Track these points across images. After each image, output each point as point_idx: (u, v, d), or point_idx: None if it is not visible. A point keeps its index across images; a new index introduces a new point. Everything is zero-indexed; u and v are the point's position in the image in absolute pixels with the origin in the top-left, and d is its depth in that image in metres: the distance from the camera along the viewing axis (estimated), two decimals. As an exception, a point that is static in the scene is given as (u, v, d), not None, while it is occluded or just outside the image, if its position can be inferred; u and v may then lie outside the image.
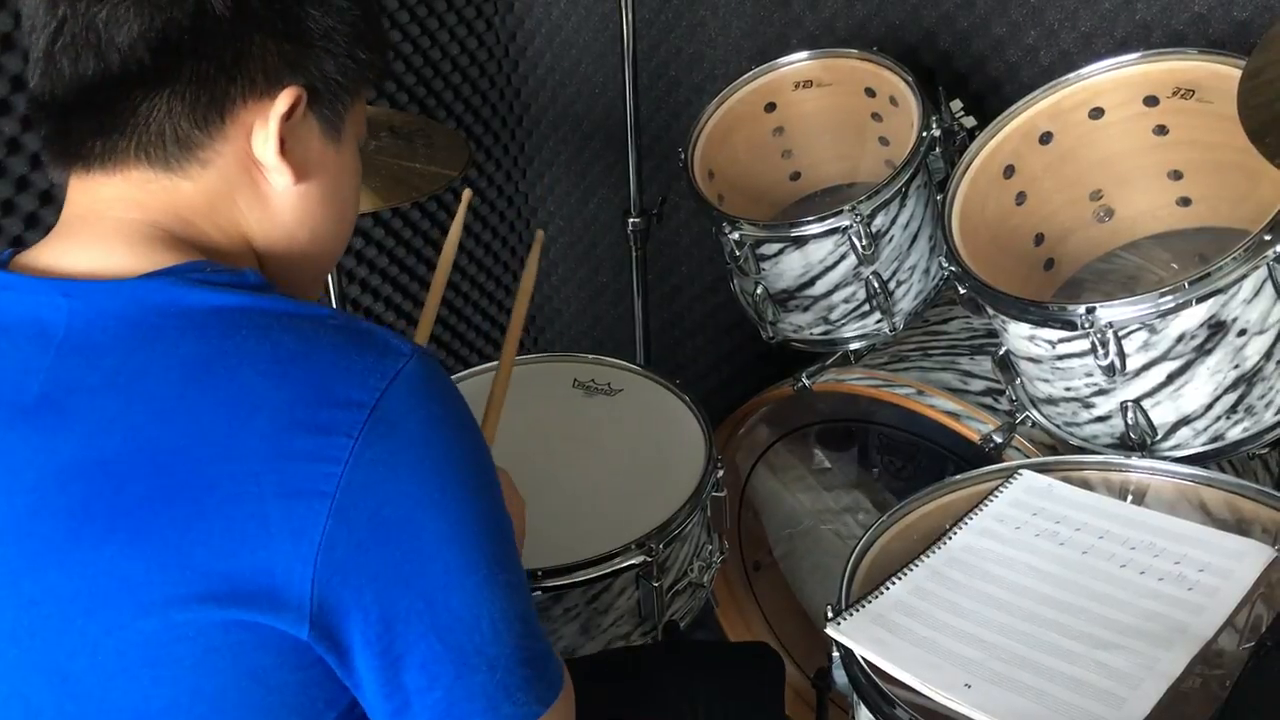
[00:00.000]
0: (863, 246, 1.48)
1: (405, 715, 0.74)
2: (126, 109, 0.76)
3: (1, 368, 0.74)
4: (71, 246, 0.78)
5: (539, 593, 1.28)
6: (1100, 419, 1.26)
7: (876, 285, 1.53)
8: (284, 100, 0.80)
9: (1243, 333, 1.15)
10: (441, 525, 0.73)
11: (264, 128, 0.80)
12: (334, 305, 1.85)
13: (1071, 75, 1.40)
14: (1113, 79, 1.39)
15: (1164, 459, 1.22)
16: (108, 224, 0.78)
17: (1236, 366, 1.17)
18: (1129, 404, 1.22)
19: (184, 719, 0.71)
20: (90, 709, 0.71)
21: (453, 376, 1.20)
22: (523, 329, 1.36)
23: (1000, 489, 1.20)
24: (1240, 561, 1.04)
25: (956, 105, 1.55)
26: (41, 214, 1.69)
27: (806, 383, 1.62)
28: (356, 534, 0.70)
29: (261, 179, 0.82)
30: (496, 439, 1.28)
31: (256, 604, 0.69)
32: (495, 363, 1.68)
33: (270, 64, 0.79)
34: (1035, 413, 1.36)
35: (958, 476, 1.23)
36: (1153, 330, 1.16)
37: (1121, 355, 1.18)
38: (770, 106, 1.73)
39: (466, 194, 1.43)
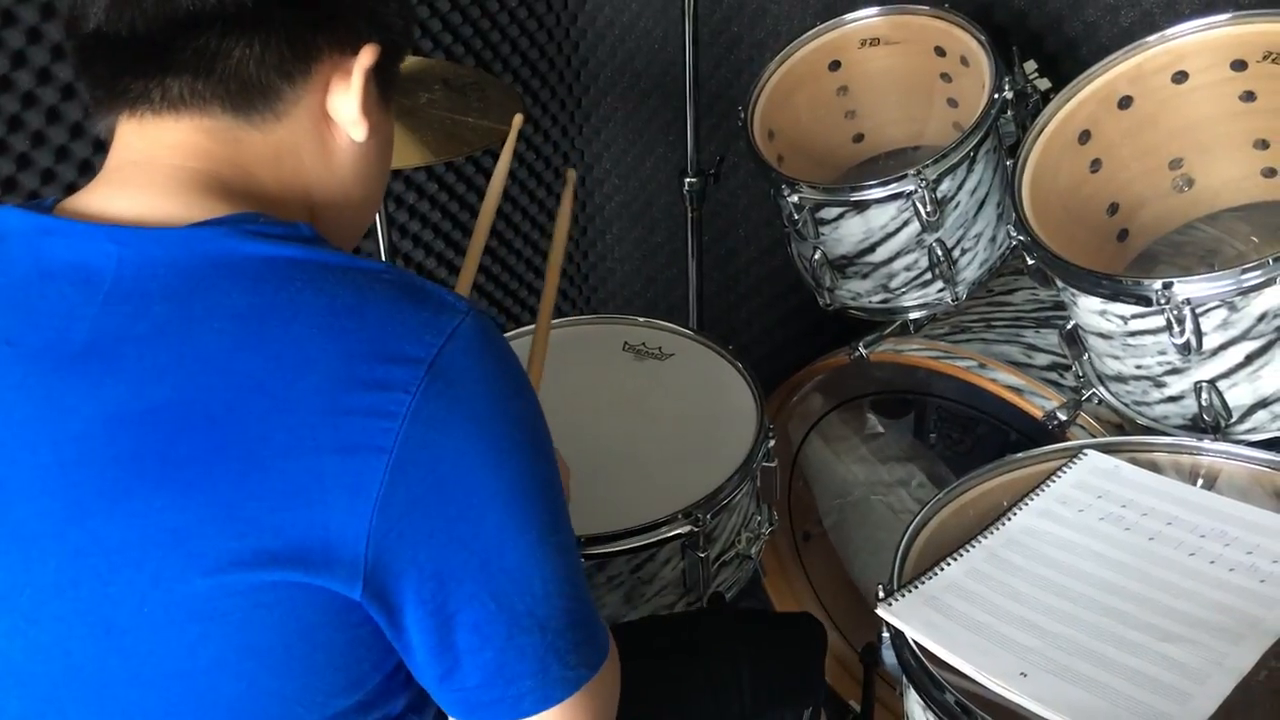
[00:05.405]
0: (927, 213, 1.44)
1: (454, 676, 0.74)
2: (219, 52, 0.75)
3: (47, 313, 0.73)
4: (120, 192, 0.78)
5: (582, 560, 1.26)
6: (1172, 399, 1.22)
7: (940, 253, 1.49)
8: (368, 55, 0.80)
9: (1329, 313, 1.10)
10: (497, 484, 0.72)
11: (344, 81, 0.80)
12: (383, 258, 1.85)
13: (1154, 37, 1.35)
14: (1198, 41, 1.33)
15: (1238, 443, 1.17)
16: (163, 170, 0.77)
17: (1321, 348, 1.12)
18: (1203, 384, 1.17)
19: (230, 674, 0.70)
20: (134, 662, 0.70)
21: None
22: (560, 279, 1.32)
23: (1063, 469, 1.16)
24: (1318, 554, 1.00)
25: (1030, 66, 1.50)
26: (95, 161, 1.69)
27: (863, 352, 1.59)
28: (413, 490, 0.69)
29: (329, 134, 0.82)
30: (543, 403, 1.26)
31: (310, 562, 0.68)
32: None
33: (355, 19, 0.80)
34: (1103, 390, 1.32)
35: (1019, 455, 1.20)
36: (1233, 308, 1.11)
37: (1198, 333, 1.13)
38: (834, 65, 1.68)
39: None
